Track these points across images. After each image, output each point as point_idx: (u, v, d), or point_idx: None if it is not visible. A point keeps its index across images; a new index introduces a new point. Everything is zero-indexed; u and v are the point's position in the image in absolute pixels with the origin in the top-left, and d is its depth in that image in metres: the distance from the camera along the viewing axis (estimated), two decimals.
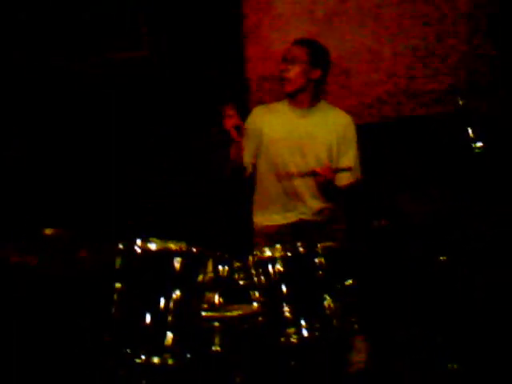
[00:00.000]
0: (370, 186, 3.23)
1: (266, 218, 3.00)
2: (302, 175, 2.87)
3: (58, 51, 3.62)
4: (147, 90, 3.64)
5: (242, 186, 3.10)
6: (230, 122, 2.72)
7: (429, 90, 3.60)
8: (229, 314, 2.15)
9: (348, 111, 3.19)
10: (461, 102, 2.20)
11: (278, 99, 3.19)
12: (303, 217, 2.96)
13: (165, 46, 3.69)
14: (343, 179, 2.94)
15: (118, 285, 2.18)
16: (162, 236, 2.21)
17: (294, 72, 2.89)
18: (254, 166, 3.02)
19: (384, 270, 2.74)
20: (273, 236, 2.88)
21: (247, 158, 2.98)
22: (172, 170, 3.53)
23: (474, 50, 3.57)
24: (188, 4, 3.66)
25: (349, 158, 2.97)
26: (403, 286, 2.70)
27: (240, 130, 2.72)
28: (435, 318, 2.60)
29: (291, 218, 2.95)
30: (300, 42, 2.99)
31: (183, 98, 3.67)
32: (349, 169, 2.88)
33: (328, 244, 2.35)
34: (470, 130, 2.18)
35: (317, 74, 2.92)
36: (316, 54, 2.94)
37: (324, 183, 2.82)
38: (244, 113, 3.44)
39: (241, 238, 3.04)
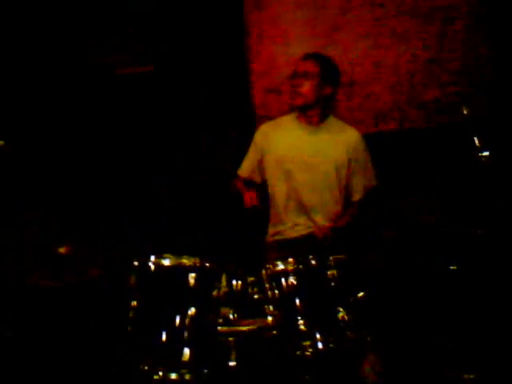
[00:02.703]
0: (378, 196, 3.23)
1: (277, 231, 3.02)
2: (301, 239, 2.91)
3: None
4: (153, 104, 3.66)
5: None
6: (249, 203, 2.78)
7: (432, 99, 3.62)
8: (244, 328, 2.17)
9: (353, 122, 3.22)
10: (465, 111, 2.21)
11: (281, 112, 3.21)
12: (312, 231, 2.96)
13: (168, 60, 3.71)
14: (356, 194, 2.99)
15: (133, 302, 2.19)
16: (175, 252, 2.23)
17: (307, 87, 2.89)
18: (264, 181, 3.04)
19: (395, 280, 2.75)
20: (284, 250, 2.88)
21: (250, 172, 3.05)
22: (183, 186, 3.54)
23: (476, 57, 3.59)
24: (191, 19, 3.68)
25: (357, 177, 2.98)
26: (415, 295, 2.71)
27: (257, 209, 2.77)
28: (448, 328, 2.60)
29: (301, 231, 2.96)
30: (311, 57, 2.98)
31: (187, 113, 3.69)
32: (345, 226, 2.91)
33: (339, 256, 2.36)
34: (476, 140, 2.19)
35: (328, 90, 2.93)
36: (328, 69, 2.94)
37: (324, 241, 2.84)
38: (248, 125, 3.48)
39: (253, 253, 3.05)
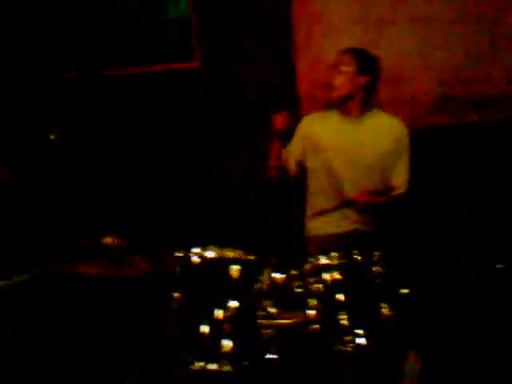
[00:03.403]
0: (421, 195, 3.17)
1: (320, 226, 3.00)
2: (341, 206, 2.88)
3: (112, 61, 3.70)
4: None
5: (288, 189, 3.09)
6: (281, 122, 2.79)
7: (484, 96, 3.54)
8: (285, 321, 2.16)
9: (401, 118, 3.17)
10: None
11: (328, 108, 3.19)
12: (358, 226, 2.94)
13: (215, 58, 3.73)
14: (400, 187, 2.93)
15: (176, 294, 2.21)
16: (218, 244, 2.25)
17: (340, 79, 2.88)
18: (301, 171, 3.02)
19: (440, 279, 2.70)
20: (327, 245, 2.83)
21: (292, 162, 3.00)
22: (223, 179, 3.54)
23: None
24: (237, 14, 3.70)
25: (399, 171, 2.94)
26: (459, 295, 2.65)
27: (287, 133, 2.76)
28: (493, 330, 2.54)
29: (346, 227, 2.94)
30: (347, 51, 2.96)
31: (234, 111, 3.70)
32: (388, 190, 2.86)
33: (384, 253, 2.33)
34: None
35: (364, 79, 2.90)
36: (363, 61, 2.91)
37: (365, 208, 2.81)
38: (295, 123, 3.46)
39: (294, 245, 3.04)
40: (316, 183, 3.00)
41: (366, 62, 2.92)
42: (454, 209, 3.08)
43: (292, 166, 3.03)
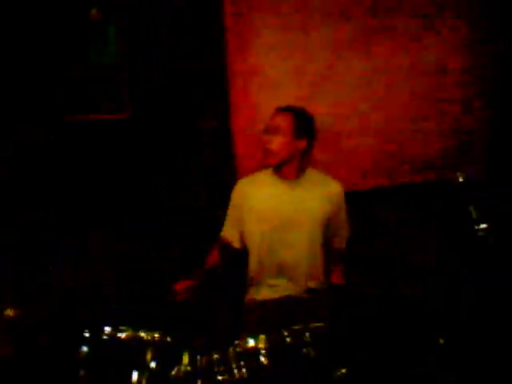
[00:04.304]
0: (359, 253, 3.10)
1: (255, 292, 2.82)
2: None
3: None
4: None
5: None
6: (182, 291, 2.60)
7: (421, 156, 3.48)
8: None
9: (339, 177, 3.07)
10: (461, 178, 2.03)
11: (264, 167, 3.04)
12: (292, 293, 2.78)
13: (146, 111, 3.57)
14: (336, 243, 2.89)
15: (81, 372, 1.95)
16: (134, 324, 2.01)
17: (277, 143, 2.72)
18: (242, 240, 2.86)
19: (378, 350, 2.53)
20: (259, 311, 2.72)
21: (232, 232, 2.85)
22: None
23: (468, 112, 3.48)
24: (170, 70, 3.56)
25: (340, 228, 2.87)
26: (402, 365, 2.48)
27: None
28: None
29: (280, 292, 2.78)
30: (283, 110, 2.83)
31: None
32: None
33: (317, 325, 2.15)
34: (472, 210, 2.00)
35: (302, 144, 2.76)
36: (301, 122, 2.77)
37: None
38: (231, 177, 3.31)
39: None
40: (252, 248, 2.84)
41: (303, 124, 2.77)
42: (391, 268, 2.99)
43: (236, 236, 2.86)
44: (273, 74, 3.56)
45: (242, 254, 2.86)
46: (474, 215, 1.99)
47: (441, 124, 3.50)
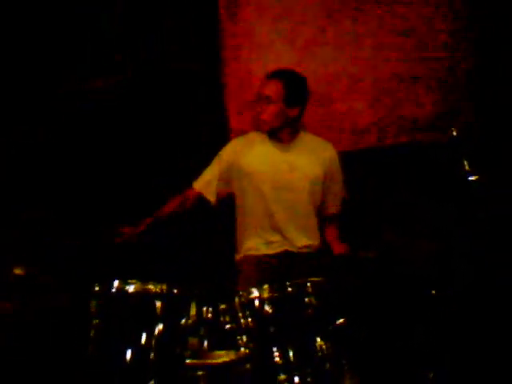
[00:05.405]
0: (354, 216, 3.16)
1: (251, 247, 2.89)
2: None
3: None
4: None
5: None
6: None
7: (413, 117, 3.53)
8: (214, 360, 2.00)
9: (329, 139, 3.12)
10: (455, 133, 2.10)
11: (258, 128, 3.09)
12: (288, 248, 2.86)
13: (138, 72, 3.58)
14: (332, 208, 2.93)
15: (92, 332, 2.02)
16: (141, 277, 2.07)
17: (269, 113, 2.78)
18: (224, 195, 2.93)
19: (375, 305, 2.62)
20: (261, 266, 2.79)
21: (205, 187, 2.91)
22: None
23: (457, 72, 3.52)
24: (163, 28, 3.56)
25: (334, 193, 2.94)
26: (395, 321, 2.58)
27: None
28: (433, 355, 2.48)
29: (276, 248, 2.85)
30: (274, 76, 2.85)
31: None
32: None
33: (317, 280, 2.23)
34: (465, 163, 2.07)
35: (294, 112, 2.81)
36: (292, 90, 2.81)
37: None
38: (223, 143, 3.35)
39: (224, 272, 2.93)
40: (245, 205, 2.91)
41: (294, 91, 2.81)
42: (387, 230, 3.05)
43: (212, 190, 2.89)
44: (264, 36, 3.57)
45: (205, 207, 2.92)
46: (467, 167, 2.07)
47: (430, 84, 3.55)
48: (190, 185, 3.01)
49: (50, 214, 3.09)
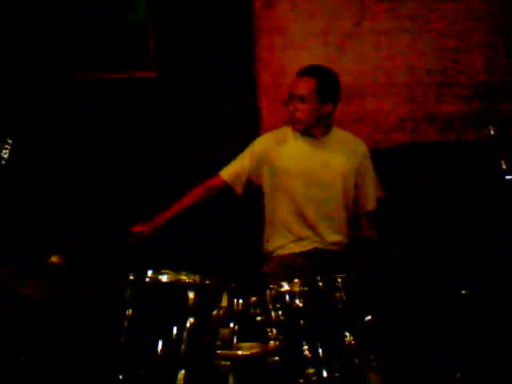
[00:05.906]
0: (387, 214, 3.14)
1: (280, 245, 2.89)
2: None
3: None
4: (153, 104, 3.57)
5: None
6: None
7: (447, 114, 3.51)
8: (244, 352, 2.03)
9: (363, 136, 3.11)
10: (492, 131, 2.08)
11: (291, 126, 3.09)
12: (318, 245, 2.86)
13: (174, 68, 3.61)
14: (368, 205, 2.90)
15: (128, 311, 2.06)
16: (175, 267, 2.11)
17: (304, 112, 2.76)
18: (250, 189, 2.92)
19: (403, 303, 2.63)
20: (287, 265, 2.78)
21: (234, 178, 2.89)
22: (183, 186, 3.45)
23: (495, 72, 3.48)
24: (200, 28, 3.58)
25: (367, 189, 2.90)
26: (425, 318, 2.58)
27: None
28: (458, 353, 2.48)
29: (306, 246, 2.85)
30: (305, 73, 2.82)
31: (187, 113, 3.58)
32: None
33: (347, 276, 2.24)
34: (502, 162, 2.06)
35: (328, 108, 2.81)
36: (325, 87, 2.79)
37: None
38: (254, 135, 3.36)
39: (253, 267, 2.94)
40: (275, 203, 2.91)
41: (327, 88, 2.80)
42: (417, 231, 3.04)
43: (241, 181, 2.91)
44: (297, 32, 3.58)
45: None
46: (504, 166, 2.06)
47: (464, 84, 3.52)
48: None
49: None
